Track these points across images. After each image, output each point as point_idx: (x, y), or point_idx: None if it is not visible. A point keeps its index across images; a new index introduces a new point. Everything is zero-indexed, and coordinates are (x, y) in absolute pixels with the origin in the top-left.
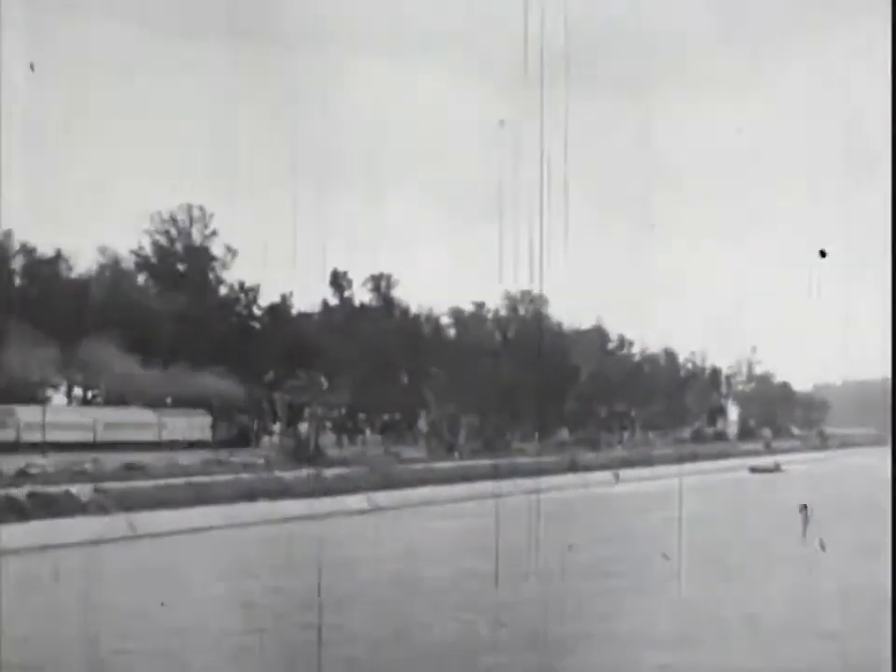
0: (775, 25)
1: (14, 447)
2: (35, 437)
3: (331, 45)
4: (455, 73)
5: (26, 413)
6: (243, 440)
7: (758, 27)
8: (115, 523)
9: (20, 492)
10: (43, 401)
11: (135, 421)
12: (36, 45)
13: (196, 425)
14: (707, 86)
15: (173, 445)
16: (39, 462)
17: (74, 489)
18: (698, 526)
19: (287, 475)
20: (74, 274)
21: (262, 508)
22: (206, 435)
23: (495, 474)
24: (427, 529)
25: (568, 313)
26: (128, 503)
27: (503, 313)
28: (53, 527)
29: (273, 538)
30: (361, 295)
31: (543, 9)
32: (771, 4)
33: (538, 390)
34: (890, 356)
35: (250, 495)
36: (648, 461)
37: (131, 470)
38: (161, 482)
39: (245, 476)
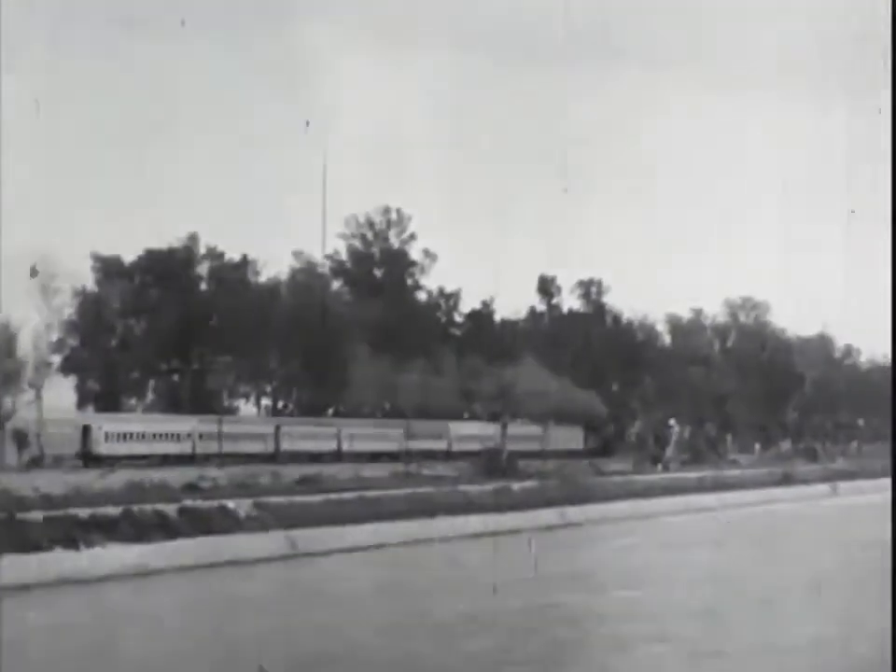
0: None
1: (446, 455)
2: (462, 447)
3: None
4: None
5: (456, 427)
6: (607, 449)
7: None
8: (273, 540)
9: (170, 507)
10: (231, 411)
11: (526, 434)
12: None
13: (572, 436)
14: None
15: (553, 455)
16: (212, 474)
17: (231, 504)
18: None
19: (472, 489)
20: (262, 279)
21: (438, 524)
22: (579, 445)
23: (698, 488)
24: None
25: (791, 319)
26: (291, 519)
27: (721, 319)
28: (203, 545)
29: (445, 554)
30: (570, 301)
31: None
32: None
33: (758, 399)
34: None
35: (428, 510)
36: (873, 473)
37: (304, 484)
38: (334, 496)
39: (422, 490)
